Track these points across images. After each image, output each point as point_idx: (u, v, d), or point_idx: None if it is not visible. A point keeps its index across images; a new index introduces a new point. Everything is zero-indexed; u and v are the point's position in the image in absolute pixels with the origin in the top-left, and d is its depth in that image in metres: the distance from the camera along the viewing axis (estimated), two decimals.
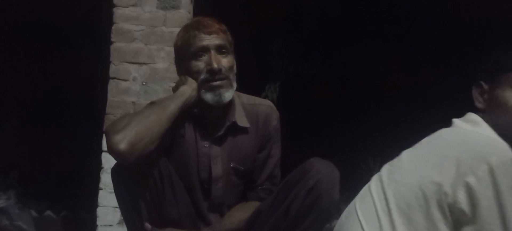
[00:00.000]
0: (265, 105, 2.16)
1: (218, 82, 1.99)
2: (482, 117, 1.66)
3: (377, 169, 1.74)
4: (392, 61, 5.34)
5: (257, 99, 2.18)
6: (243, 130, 2.08)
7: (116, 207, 3.39)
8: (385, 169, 1.69)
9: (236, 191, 2.12)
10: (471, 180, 1.45)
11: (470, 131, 1.62)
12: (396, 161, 1.69)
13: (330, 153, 2.22)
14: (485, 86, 1.69)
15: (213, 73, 1.98)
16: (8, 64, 5.50)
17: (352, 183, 2.27)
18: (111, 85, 3.65)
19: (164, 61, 3.63)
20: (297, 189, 1.87)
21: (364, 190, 1.70)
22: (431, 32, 5.50)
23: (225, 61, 2.01)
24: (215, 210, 2.09)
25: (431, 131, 1.70)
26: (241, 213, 2.06)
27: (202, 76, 1.99)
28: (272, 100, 2.80)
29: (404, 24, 5.56)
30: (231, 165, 2.07)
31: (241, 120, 2.08)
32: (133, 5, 3.67)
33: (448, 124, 1.72)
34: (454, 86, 3.76)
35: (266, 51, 5.45)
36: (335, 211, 1.92)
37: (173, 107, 1.94)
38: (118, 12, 3.67)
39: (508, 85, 1.64)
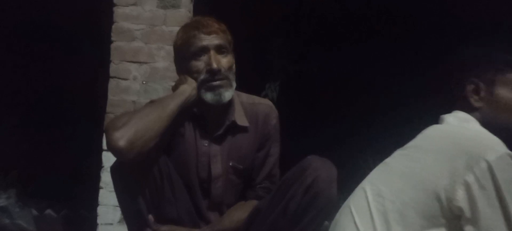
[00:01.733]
0: (264, 104, 2.17)
1: (217, 82, 1.99)
2: (472, 115, 1.67)
3: None
4: (392, 61, 5.34)
5: (256, 99, 2.19)
6: (243, 129, 2.09)
7: (117, 206, 3.39)
8: (379, 168, 1.71)
9: (236, 190, 2.12)
10: (470, 178, 1.46)
11: (462, 127, 1.64)
12: (390, 159, 1.70)
13: (330, 152, 2.22)
14: (481, 85, 1.69)
15: (213, 74, 1.99)
16: (8, 64, 5.51)
17: (352, 182, 2.28)
18: (111, 84, 3.66)
19: (164, 60, 3.64)
20: (295, 187, 1.88)
21: (358, 189, 1.71)
22: (432, 32, 5.50)
23: (225, 61, 2.02)
24: (214, 209, 2.10)
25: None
26: (241, 212, 2.07)
27: (201, 76, 2.00)
28: (272, 100, 2.81)
29: (404, 24, 5.56)
30: (231, 164, 2.08)
31: (241, 119, 2.08)
32: (133, 4, 3.68)
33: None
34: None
35: (266, 50, 5.44)
36: (333, 208, 1.92)
37: (173, 106, 1.95)
38: (118, 11, 3.68)
39: (504, 84, 1.66)
